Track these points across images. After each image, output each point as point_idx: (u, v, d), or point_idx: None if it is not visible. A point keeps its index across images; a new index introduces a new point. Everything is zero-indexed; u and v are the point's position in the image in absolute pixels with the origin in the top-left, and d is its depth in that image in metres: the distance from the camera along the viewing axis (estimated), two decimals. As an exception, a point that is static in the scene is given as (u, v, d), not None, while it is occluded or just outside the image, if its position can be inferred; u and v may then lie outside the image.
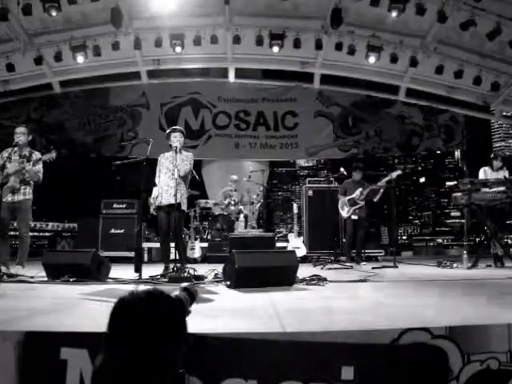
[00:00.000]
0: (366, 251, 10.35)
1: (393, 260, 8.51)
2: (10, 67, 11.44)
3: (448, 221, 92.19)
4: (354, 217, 9.19)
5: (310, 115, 13.97)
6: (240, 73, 13.48)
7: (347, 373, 2.45)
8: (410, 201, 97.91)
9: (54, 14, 9.79)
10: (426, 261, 10.18)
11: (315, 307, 3.75)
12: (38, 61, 11.51)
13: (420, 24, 10.90)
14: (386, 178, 9.02)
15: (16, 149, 6.86)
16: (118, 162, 6.54)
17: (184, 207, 6.64)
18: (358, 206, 9.19)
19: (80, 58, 11.45)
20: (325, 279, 5.53)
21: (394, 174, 8.94)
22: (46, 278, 5.90)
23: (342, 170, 9.85)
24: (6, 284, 5.61)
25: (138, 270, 6.01)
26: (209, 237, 11.46)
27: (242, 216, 11.09)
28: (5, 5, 9.74)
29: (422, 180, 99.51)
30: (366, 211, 9.33)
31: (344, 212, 9.36)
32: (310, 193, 11.23)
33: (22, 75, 12.27)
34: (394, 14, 9.93)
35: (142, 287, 1.67)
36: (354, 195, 9.25)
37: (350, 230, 9.33)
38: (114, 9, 10.24)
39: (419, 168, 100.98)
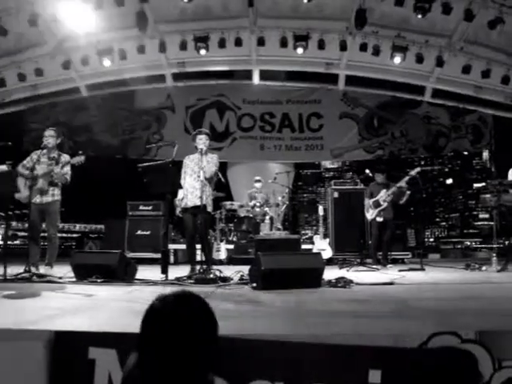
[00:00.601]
0: (392, 253, 10.24)
1: (420, 262, 8.40)
2: (39, 72, 11.66)
3: (476, 223, 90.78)
4: (379, 219, 9.11)
5: (334, 117, 13.88)
6: (264, 75, 13.50)
7: (374, 376, 2.42)
8: (436, 202, 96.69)
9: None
10: (453, 263, 10.02)
11: (341, 309, 3.73)
12: (66, 65, 11.70)
13: (446, 23, 10.75)
14: (406, 178, 8.93)
15: (45, 151, 6.95)
16: (144, 164, 6.60)
17: (210, 209, 6.67)
18: (381, 208, 9.10)
19: (106, 62, 11.61)
20: (351, 281, 5.49)
21: (414, 172, 8.80)
22: (74, 279, 5.99)
23: (367, 171, 9.77)
24: (35, 284, 5.71)
25: (164, 271, 6.05)
26: (234, 239, 11.47)
27: (267, 218, 11.08)
28: (34, 11, 9.93)
29: (449, 181, 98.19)
30: (392, 213, 9.24)
31: (368, 214, 9.29)
32: (336, 194, 11.17)
33: (51, 79, 12.51)
34: (420, 14, 9.79)
35: (175, 289, 1.68)
36: (378, 197, 9.18)
37: (376, 232, 9.25)
38: (139, 13, 10.33)
39: (446, 169, 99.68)
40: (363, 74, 12.80)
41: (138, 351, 1.57)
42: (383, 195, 9.12)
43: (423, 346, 2.46)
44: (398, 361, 2.45)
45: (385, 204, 9.10)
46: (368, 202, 9.33)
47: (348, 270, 8.04)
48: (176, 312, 1.53)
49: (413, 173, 8.77)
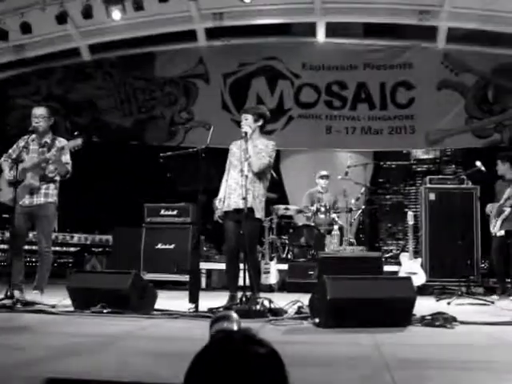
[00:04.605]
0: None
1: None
2: (26, 28, 11.85)
3: None
4: (500, 232, 8.96)
5: (431, 87, 13.67)
6: (333, 29, 13.44)
7: None
8: None
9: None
10: None
11: (440, 358, 3.67)
12: (61, 19, 11.85)
13: None
14: None
15: (34, 136, 7.11)
16: (167, 154, 6.67)
17: (259, 214, 6.66)
18: (504, 216, 8.94)
19: (116, 14, 11.75)
20: (454, 319, 5.39)
21: None
22: (71, 308, 6.10)
23: (478, 164, 9.57)
24: (20, 314, 5.85)
25: (193, 299, 6.10)
26: (289, 256, 11.46)
27: (335, 228, 11.02)
28: None
29: None
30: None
31: (491, 226, 9.16)
32: (432, 196, 11.00)
33: (41, 38, 12.80)
34: None
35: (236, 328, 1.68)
36: (502, 201, 9.02)
37: (497, 250, 9.14)
38: None
39: None
40: (472, 26, 12.57)
41: None
42: (506, 197, 8.95)
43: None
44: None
45: (507, 210, 8.92)
46: (489, 208, 9.24)
47: (449, 303, 7.91)
48: (237, 364, 1.52)
49: None
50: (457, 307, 7.40)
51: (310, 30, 13.43)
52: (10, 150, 7.15)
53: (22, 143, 7.14)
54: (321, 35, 13.40)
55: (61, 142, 7.14)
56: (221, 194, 6.81)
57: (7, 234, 6.96)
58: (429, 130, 13.66)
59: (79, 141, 7.06)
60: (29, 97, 13.84)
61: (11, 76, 13.91)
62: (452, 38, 13.06)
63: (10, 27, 11.91)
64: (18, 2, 11.77)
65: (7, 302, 6.28)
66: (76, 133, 7.09)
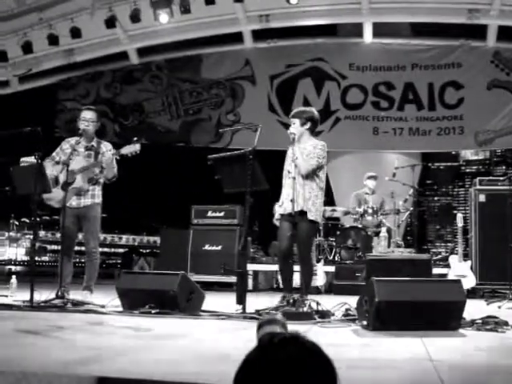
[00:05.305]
0: None
1: None
2: (76, 32, 12.04)
3: None
4: None
5: (481, 87, 13.48)
6: (380, 29, 13.35)
7: None
8: None
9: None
10: None
11: (491, 363, 3.62)
12: (110, 23, 12.02)
13: None
14: None
15: (81, 139, 7.19)
16: (215, 156, 6.69)
17: (313, 216, 6.60)
18: None
19: (164, 17, 11.86)
20: (505, 323, 5.30)
21: None
22: (120, 308, 6.19)
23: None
24: (70, 314, 5.94)
25: (240, 300, 6.11)
26: (336, 258, 11.43)
27: (383, 230, 10.95)
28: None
29: None
30: None
31: None
32: (482, 198, 10.85)
33: (90, 42, 12.98)
34: None
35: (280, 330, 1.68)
36: None
37: None
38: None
39: None
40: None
41: None
42: None
43: None
44: None
45: None
46: None
47: (500, 307, 7.80)
48: (286, 367, 1.52)
49: None
50: (508, 311, 7.29)
51: (357, 30, 13.36)
52: (54, 153, 7.27)
53: (66, 145, 7.25)
54: (368, 35, 13.31)
55: (106, 146, 7.26)
56: (281, 199, 6.83)
57: (57, 235, 7.06)
58: (478, 130, 13.46)
59: (138, 146, 7.06)
60: (78, 100, 14.03)
61: (61, 80, 14.13)
62: (502, 37, 12.86)
63: (61, 32, 12.11)
64: (68, 7, 11.96)
65: (58, 301, 6.40)
66: (135, 138, 7.14)
